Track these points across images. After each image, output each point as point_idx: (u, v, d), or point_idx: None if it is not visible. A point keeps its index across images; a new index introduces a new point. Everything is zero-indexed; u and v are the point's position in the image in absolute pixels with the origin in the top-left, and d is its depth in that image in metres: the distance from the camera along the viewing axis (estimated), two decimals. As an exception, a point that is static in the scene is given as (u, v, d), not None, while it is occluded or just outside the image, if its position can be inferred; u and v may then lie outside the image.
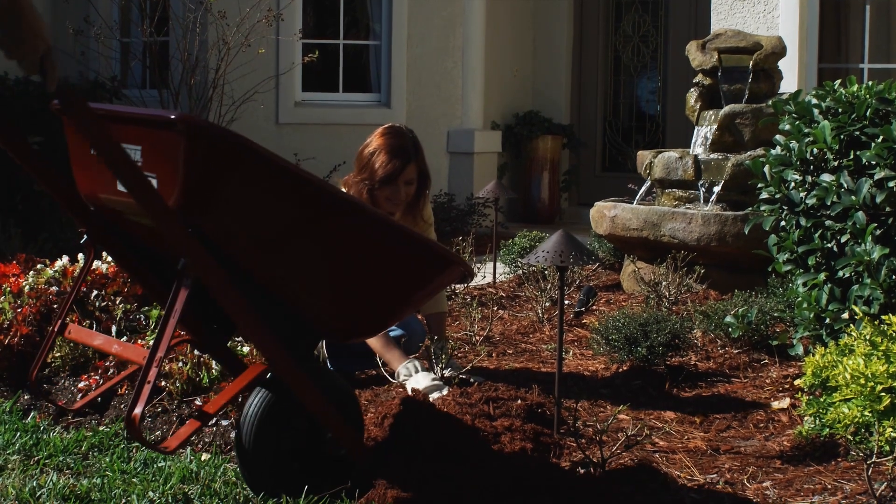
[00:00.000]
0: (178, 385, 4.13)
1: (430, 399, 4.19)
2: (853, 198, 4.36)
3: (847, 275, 4.41)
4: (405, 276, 3.36)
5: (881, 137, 4.35)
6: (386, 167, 4.57)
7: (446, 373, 4.60)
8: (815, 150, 4.56)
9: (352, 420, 3.45)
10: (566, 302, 6.18)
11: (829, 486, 3.64)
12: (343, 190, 4.72)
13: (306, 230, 3.18)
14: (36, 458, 3.76)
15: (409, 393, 4.28)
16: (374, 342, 4.56)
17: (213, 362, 4.19)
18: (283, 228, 3.16)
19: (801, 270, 4.63)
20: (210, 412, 3.21)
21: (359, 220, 3.25)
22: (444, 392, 4.27)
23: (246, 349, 4.30)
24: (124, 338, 4.56)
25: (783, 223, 4.70)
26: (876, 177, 4.35)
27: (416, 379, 4.40)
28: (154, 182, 3.05)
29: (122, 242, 3.47)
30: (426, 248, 3.39)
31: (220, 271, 3.08)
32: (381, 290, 3.35)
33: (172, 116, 3.00)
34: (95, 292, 4.79)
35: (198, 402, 4.05)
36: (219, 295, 3.11)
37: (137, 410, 2.94)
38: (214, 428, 3.97)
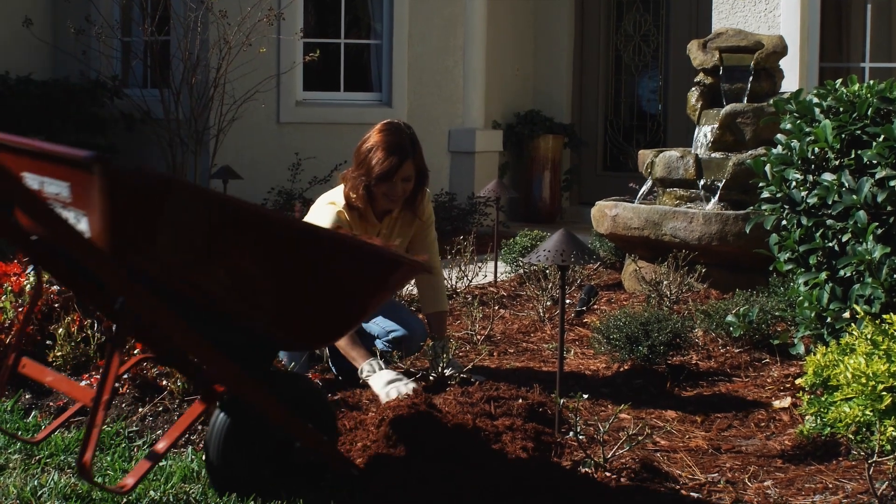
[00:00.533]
0: (178, 384, 4.13)
1: (396, 394, 4.20)
2: (854, 197, 4.36)
3: (848, 274, 4.41)
4: (351, 282, 3.28)
5: (882, 136, 4.35)
6: (383, 164, 4.56)
7: (447, 372, 4.60)
8: (817, 150, 4.56)
9: (323, 424, 3.42)
10: (567, 301, 6.18)
11: (831, 486, 3.64)
12: (339, 189, 4.72)
13: (239, 252, 3.08)
14: (37, 458, 3.76)
15: (375, 390, 4.30)
16: (340, 340, 4.55)
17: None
18: (215, 253, 3.05)
19: (803, 269, 4.63)
20: (160, 451, 3.15)
21: (288, 235, 3.15)
22: (409, 386, 4.27)
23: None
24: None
25: (784, 222, 4.70)
26: (877, 176, 4.35)
27: (378, 375, 4.38)
28: (86, 221, 2.94)
29: (69, 265, 3.30)
30: (367, 253, 3.31)
31: (161, 310, 3.01)
32: (330, 299, 3.27)
33: (84, 156, 2.81)
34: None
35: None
36: (162, 329, 3.09)
37: (87, 456, 2.89)
38: (215, 427, 3.97)
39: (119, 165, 2.91)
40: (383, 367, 4.44)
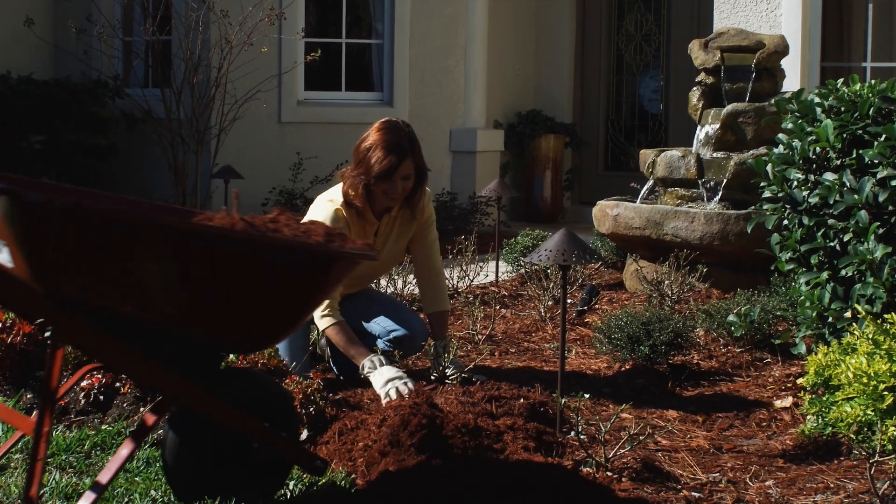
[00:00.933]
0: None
1: (395, 394, 4.20)
2: (856, 196, 4.36)
3: (850, 273, 4.41)
4: (281, 281, 3.12)
5: (884, 136, 4.34)
6: (382, 163, 4.56)
7: (448, 371, 4.60)
8: (818, 149, 4.56)
9: (282, 421, 3.35)
10: (569, 301, 6.18)
11: (832, 485, 3.64)
12: (337, 187, 4.71)
13: (161, 265, 3.00)
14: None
15: (376, 387, 4.30)
16: (336, 339, 4.54)
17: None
18: (126, 271, 2.98)
19: (804, 269, 4.63)
20: (103, 482, 3.07)
21: (200, 241, 3.02)
22: (410, 384, 4.27)
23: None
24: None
25: (786, 222, 4.70)
26: (878, 175, 4.35)
27: (380, 372, 4.38)
28: (6, 252, 2.92)
29: None
30: (294, 250, 3.14)
31: (91, 336, 2.98)
32: (261, 300, 3.12)
33: None
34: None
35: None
36: (93, 353, 3.06)
37: (33, 490, 2.88)
38: (217, 427, 3.97)
39: (26, 194, 2.91)
40: (384, 363, 4.44)
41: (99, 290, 3.00)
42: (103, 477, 3.06)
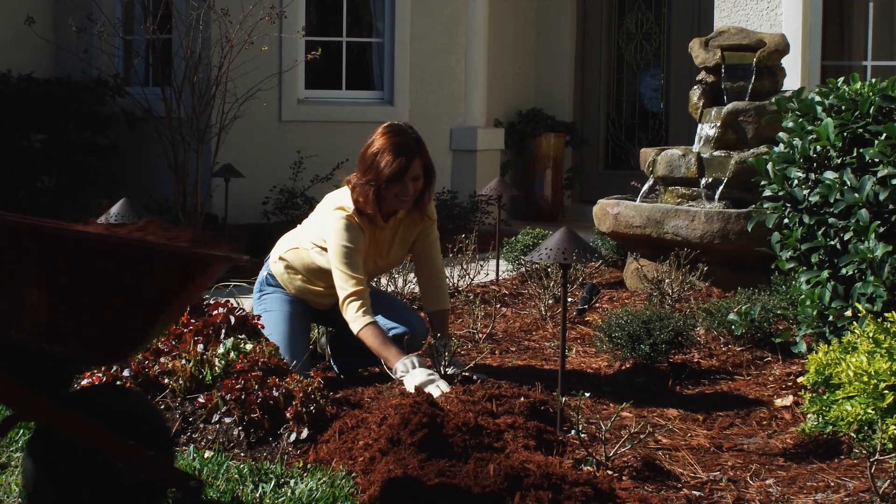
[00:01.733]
0: (180, 382, 4.13)
1: (427, 392, 4.19)
2: (856, 195, 4.36)
3: (850, 272, 4.41)
4: (136, 286, 2.93)
5: (884, 135, 4.35)
6: (392, 166, 4.58)
7: (449, 370, 4.60)
8: (819, 148, 4.56)
9: (152, 439, 3.21)
10: (569, 299, 6.18)
11: (833, 484, 3.64)
12: (344, 191, 4.72)
13: (10, 269, 2.83)
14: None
15: (408, 390, 4.29)
16: (370, 340, 4.54)
17: (216, 360, 4.19)
18: None
19: (805, 268, 4.63)
20: None
21: (55, 242, 2.86)
22: (442, 386, 4.27)
23: (249, 346, 4.29)
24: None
25: (786, 221, 4.70)
26: (879, 174, 4.35)
27: (412, 374, 4.39)
28: None
29: None
30: (147, 252, 2.96)
31: None
32: (126, 308, 2.95)
33: None
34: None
35: (200, 400, 4.05)
36: None
37: None
38: (217, 426, 3.97)
39: None
40: (416, 364, 4.44)
41: None
42: None
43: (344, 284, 4.58)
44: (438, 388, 4.27)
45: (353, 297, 4.57)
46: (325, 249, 4.72)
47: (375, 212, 4.67)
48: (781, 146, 4.74)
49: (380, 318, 4.84)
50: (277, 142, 9.87)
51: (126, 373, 4.20)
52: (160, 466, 3.17)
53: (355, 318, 4.55)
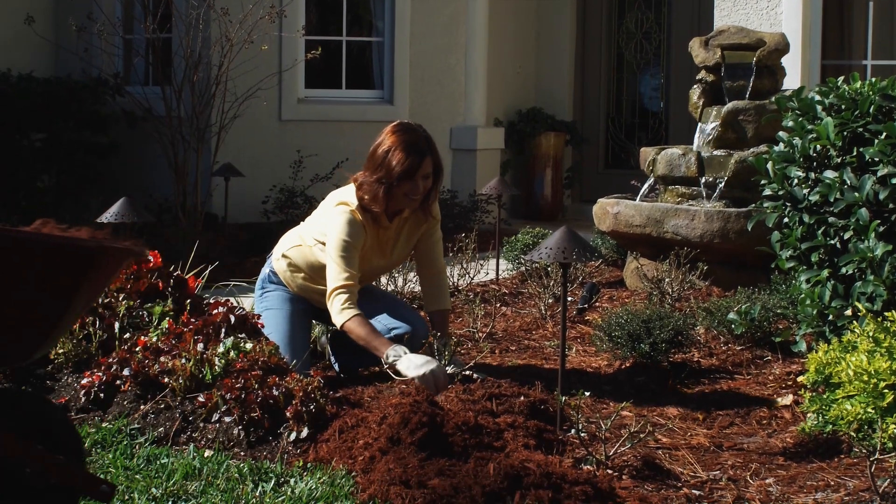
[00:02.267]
0: (180, 382, 4.13)
1: (432, 377, 4.18)
2: (856, 194, 4.36)
3: (850, 271, 4.41)
4: (24, 282, 2.83)
5: (884, 134, 4.34)
6: (404, 164, 4.58)
7: (449, 369, 4.60)
8: (819, 147, 4.56)
9: (60, 443, 3.09)
10: (569, 298, 6.18)
11: (832, 483, 3.64)
12: (349, 188, 4.71)
13: None
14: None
15: (406, 374, 4.28)
16: (357, 331, 4.53)
17: (216, 359, 4.19)
18: None
19: (805, 267, 4.63)
20: None
21: None
22: (449, 369, 4.26)
23: (249, 346, 4.29)
24: (127, 334, 4.55)
25: (786, 220, 4.70)
26: (879, 173, 4.35)
27: (408, 358, 4.38)
28: None
29: None
30: (54, 245, 2.84)
31: None
32: (17, 306, 2.84)
33: None
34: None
35: (200, 399, 4.05)
36: None
37: None
38: (217, 425, 3.97)
39: None
40: (408, 351, 4.43)
41: None
42: None
43: (335, 276, 4.57)
44: (442, 369, 4.26)
45: (340, 289, 4.55)
46: (327, 245, 4.72)
47: (382, 210, 4.66)
48: (781, 145, 4.74)
49: (382, 318, 4.84)
50: (277, 141, 9.87)
51: (126, 372, 4.21)
52: (69, 471, 3.05)
53: (340, 310, 4.54)
